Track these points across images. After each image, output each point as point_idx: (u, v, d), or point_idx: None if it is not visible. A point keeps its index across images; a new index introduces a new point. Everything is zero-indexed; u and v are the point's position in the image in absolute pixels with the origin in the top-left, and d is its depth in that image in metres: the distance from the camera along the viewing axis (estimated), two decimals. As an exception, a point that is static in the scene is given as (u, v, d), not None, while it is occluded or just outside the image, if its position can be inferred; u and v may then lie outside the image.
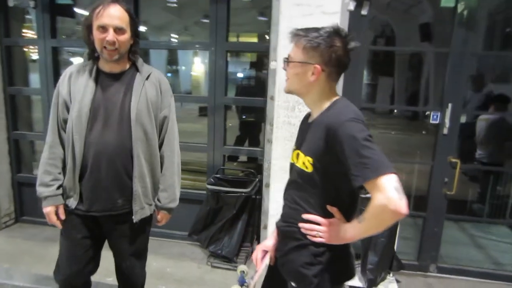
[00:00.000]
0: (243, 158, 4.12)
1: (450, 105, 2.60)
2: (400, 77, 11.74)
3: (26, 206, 3.57)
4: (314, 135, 1.25)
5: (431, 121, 2.69)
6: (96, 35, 1.56)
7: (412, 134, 8.88)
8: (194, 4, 8.64)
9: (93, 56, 1.67)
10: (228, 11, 2.91)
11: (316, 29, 1.23)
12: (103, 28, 1.54)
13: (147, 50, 4.71)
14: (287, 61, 1.29)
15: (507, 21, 7.04)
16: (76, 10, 3.56)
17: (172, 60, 14.33)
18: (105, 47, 1.56)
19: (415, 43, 6.62)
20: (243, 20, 7.96)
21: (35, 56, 3.84)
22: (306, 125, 1.38)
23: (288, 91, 1.34)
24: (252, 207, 2.88)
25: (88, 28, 1.59)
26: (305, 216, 1.27)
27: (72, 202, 1.68)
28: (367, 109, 3.55)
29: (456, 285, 2.78)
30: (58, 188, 1.69)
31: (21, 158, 3.56)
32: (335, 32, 1.21)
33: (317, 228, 1.24)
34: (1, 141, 3.42)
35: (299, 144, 1.35)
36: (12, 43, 3.36)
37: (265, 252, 1.46)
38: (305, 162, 1.25)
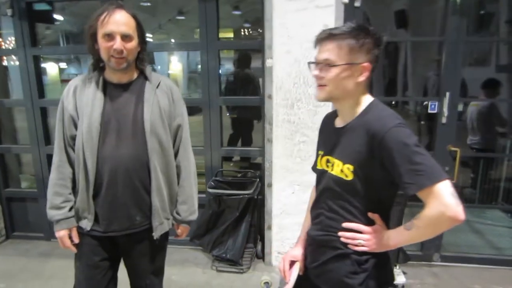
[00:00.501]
0: (236, 157, 4.06)
1: (447, 93, 2.61)
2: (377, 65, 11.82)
3: (16, 222, 3.43)
4: (353, 141, 1.19)
5: (429, 111, 2.70)
6: (102, 43, 1.44)
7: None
8: (167, 2, 8.46)
9: (98, 67, 1.56)
10: (217, 9, 2.83)
11: (344, 27, 1.17)
12: (109, 36, 1.43)
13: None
14: (330, 65, 1.16)
15: (480, 2, 7.15)
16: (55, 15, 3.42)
17: (148, 60, 14.07)
18: (112, 56, 1.45)
19: (391, 30, 6.64)
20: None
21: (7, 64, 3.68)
22: (333, 129, 1.31)
23: (327, 98, 1.22)
24: (255, 208, 2.84)
25: (92, 36, 1.47)
26: (346, 224, 1.22)
27: (87, 224, 1.56)
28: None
29: (460, 272, 2.81)
30: (70, 209, 1.57)
31: (8, 172, 3.41)
32: (365, 28, 1.17)
33: (359, 237, 1.20)
34: (-15, 156, 3.28)
35: (329, 150, 1.28)
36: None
37: (293, 262, 1.41)
38: (344, 170, 1.20)
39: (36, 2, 3.07)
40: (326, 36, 1.17)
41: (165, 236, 1.69)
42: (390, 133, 1.09)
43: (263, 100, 2.68)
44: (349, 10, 2.51)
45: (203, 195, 2.98)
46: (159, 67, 14.51)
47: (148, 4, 8.42)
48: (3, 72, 3.50)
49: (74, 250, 1.61)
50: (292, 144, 2.65)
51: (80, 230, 1.59)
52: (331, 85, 1.19)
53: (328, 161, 1.28)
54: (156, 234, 1.61)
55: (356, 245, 1.21)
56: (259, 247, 2.94)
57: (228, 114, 4.49)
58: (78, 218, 1.58)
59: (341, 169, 1.20)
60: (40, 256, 3.12)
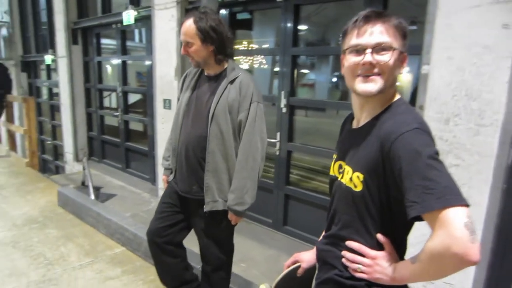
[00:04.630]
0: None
1: None
2: None
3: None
4: (366, 146, 1.02)
5: None
6: None
7: None
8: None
9: None
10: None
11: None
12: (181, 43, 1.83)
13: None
14: (389, 49, 0.98)
15: None
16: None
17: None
18: None
19: None
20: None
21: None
22: (350, 130, 1.16)
23: (381, 91, 1.02)
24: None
25: None
26: (349, 243, 1.06)
27: (171, 177, 2.06)
28: None
29: None
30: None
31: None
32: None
33: (360, 260, 1.02)
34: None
35: (342, 154, 1.14)
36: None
37: (296, 262, 1.30)
38: (353, 179, 1.03)
39: (239, 12, 3.69)
40: (375, 16, 1.00)
41: (222, 214, 1.91)
42: (402, 138, 0.90)
43: (414, 111, 2.37)
44: (545, 4, 1.89)
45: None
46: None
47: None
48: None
49: (165, 186, 2.19)
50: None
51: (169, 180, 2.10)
52: (388, 73, 1.00)
53: (340, 167, 1.13)
54: (206, 208, 1.87)
55: (355, 270, 1.02)
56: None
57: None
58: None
59: (351, 178, 1.04)
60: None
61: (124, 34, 5.13)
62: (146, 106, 5.29)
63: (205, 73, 1.92)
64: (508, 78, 1.95)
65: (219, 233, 2.00)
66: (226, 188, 1.87)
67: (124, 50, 5.18)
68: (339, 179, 1.13)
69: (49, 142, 7.50)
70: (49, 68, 7.17)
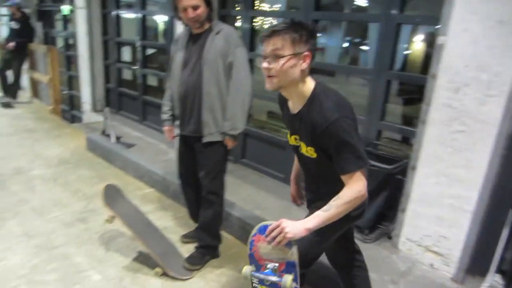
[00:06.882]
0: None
1: None
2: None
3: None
4: (306, 129, 1.46)
5: None
6: (181, 14, 2.19)
7: None
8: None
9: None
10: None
11: (283, 24, 1.38)
12: (185, 9, 2.11)
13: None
14: (278, 56, 1.37)
15: None
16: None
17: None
18: (188, 21, 2.16)
19: None
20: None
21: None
22: (290, 114, 1.56)
23: (276, 88, 1.45)
24: (395, 187, 2.80)
25: (176, 8, 2.21)
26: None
27: (176, 124, 2.56)
28: None
29: None
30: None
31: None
32: (300, 22, 1.39)
33: (275, 234, 1.38)
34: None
35: (294, 131, 1.58)
36: (225, 13, 4.14)
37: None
38: (308, 151, 1.50)
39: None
40: (270, 33, 1.38)
41: (217, 145, 2.34)
42: (327, 129, 1.36)
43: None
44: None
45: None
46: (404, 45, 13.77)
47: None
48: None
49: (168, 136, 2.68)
50: (447, 132, 2.43)
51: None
52: (280, 75, 1.39)
53: (296, 139, 1.58)
54: (204, 140, 2.31)
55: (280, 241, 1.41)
56: (390, 227, 2.91)
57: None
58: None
59: (306, 150, 1.51)
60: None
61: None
62: (158, 61, 5.45)
63: (194, 32, 2.28)
64: (518, 52, 2.10)
65: (212, 162, 2.40)
66: (220, 123, 2.30)
67: (143, 4, 5.24)
68: (300, 150, 1.57)
69: (65, 92, 7.69)
70: (65, 19, 7.22)
